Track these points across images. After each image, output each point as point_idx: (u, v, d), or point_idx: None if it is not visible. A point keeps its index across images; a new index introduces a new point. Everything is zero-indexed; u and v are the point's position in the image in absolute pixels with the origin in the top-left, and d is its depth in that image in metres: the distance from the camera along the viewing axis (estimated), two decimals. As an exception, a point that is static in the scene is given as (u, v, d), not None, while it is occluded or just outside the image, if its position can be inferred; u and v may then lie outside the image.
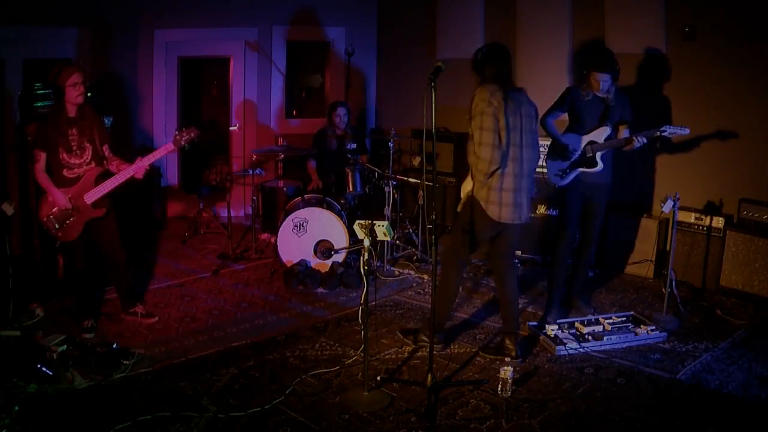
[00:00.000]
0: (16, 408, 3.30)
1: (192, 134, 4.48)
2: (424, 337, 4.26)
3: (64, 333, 4.23)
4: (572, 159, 4.66)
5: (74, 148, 4.29)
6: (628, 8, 5.80)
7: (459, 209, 4.17)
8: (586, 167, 4.63)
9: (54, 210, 4.29)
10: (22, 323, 4.32)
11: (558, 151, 4.74)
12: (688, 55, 5.54)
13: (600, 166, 4.61)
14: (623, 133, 4.67)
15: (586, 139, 4.63)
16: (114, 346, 4.03)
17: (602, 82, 4.46)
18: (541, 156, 4.67)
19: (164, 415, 3.41)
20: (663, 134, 4.51)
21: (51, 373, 3.73)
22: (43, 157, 4.29)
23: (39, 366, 3.73)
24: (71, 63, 4.39)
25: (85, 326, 4.42)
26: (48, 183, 4.29)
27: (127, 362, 3.93)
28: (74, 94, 4.22)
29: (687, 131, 4.54)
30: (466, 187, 4.03)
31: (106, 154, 4.46)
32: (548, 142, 4.82)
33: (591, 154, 4.61)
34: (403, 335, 4.41)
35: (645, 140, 4.51)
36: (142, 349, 4.15)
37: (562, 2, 6.25)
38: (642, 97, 5.70)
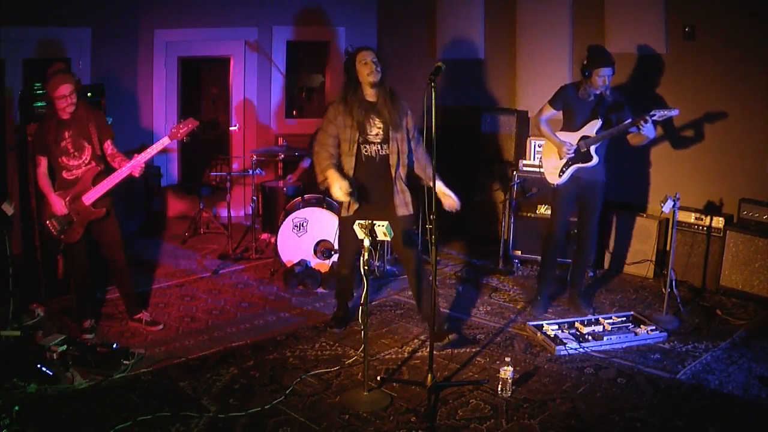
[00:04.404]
0: (16, 408, 3.29)
1: (190, 125, 4.36)
2: None
3: (64, 333, 4.24)
4: (568, 156, 4.68)
5: (71, 150, 4.24)
6: (628, 8, 5.79)
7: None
8: (582, 162, 4.65)
9: (54, 213, 4.27)
10: (22, 323, 4.31)
11: (553, 150, 4.76)
12: (688, 55, 5.53)
13: (595, 159, 4.63)
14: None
15: (578, 135, 4.66)
16: (114, 346, 4.03)
17: (606, 77, 4.48)
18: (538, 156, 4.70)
19: (164, 415, 3.41)
20: (653, 118, 4.43)
21: (51, 373, 3.73)
22: (44, 161, 4.27)
23: (39, 366, 3.73)
24: (61, 70, 4.19)
25: (85, 326, 4.41)
26: (48, 188, 4.27)
27: (127, 362, 3.93)
28: (61, 105, 4.12)
29: (676, 112, 4.50)
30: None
31: (109, 151, 4.35)
32: (541, 141, 4.82)
33: (585, 149, 4.63)
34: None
35: (648, 123, 4.38)
36: (142, 349, 4.16)
37: (562, 2, 6.24)
38: (641, 97, 5.71)
